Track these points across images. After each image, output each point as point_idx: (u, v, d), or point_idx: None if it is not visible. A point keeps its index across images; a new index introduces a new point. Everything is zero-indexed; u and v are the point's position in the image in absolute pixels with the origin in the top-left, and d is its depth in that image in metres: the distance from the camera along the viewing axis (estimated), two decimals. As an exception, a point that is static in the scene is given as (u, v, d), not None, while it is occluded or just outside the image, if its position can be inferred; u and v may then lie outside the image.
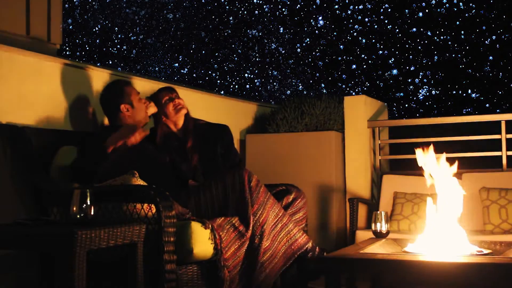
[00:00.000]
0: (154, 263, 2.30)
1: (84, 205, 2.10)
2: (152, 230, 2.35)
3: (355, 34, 11.98)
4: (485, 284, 2.26)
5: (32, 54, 2.95)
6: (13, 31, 3.76)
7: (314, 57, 12.28)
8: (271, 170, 4.31)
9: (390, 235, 2.98)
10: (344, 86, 12.02)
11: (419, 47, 11.54)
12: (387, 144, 4.75)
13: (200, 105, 4.04)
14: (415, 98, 11.66)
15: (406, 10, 11.63)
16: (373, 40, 11.83)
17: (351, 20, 11.98)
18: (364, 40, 11.93)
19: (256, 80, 12.70)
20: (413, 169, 4.56)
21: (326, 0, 12.13)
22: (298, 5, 12.36)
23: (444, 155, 2.82)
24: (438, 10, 11.43)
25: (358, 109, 4.41)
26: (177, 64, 12.95)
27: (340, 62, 12.13)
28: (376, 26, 11.82)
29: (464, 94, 11.30)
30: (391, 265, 2.29)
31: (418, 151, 2.83)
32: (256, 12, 12.63)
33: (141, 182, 2.69)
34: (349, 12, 11.98)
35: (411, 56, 11.63)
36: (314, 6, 12.24)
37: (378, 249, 2.64)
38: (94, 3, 12.46)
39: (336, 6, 12.04)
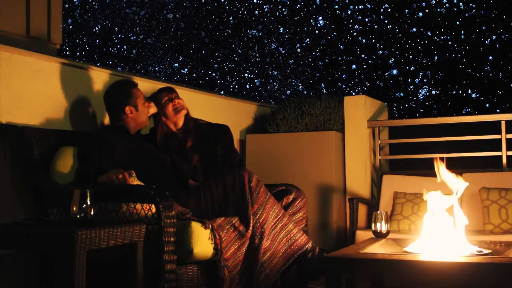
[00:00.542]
0: (154, 263, 2.30)
1: (84, 205, 2.10)
2: (152, 230, 2.35)
3: (355, 34, 11.98)
4: (485, 284, 2.26)
5: (32, 54, 2.95)
6: (13, 31, 3.76)
7: (314, 57, 12.28)
8: (271, 170, 4.31)
9: (390, 235, 2.98)
10: (344, 86, 12.02)
11: (419, 47, 11.54)
12: (387, 144, 4.75)
13: (200, 105, 4.04)
14: (415, 98, 11.66)
15: (406, 10, 11.63)
16: (373, 40, 11.83)
17: (351, 20, 11.98)
18: (364, 40, 11.93)
19: (256, 80, 12.70)
20: (413, 169, 4.58)
21: (326, 0, 12.13)
22: (298, 5, 12.36)
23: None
24: (438, 10, 11.43)
25: (358, 109, 4.41)
26: (177, 64, 12.95)
27: (340, 62, 12.13)
28: (376, 26, 11.82)
29: (464, 94, 11.30)
30: (391, 265, 2.29)
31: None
32: (256, 12, 12.63)
33: (138, 182, 2.69)
34: (349, 12, 11.98)
35: (411, 56, 11.63)
36: (314, 6, 12.24)
37: (378, 249, 2.64)
38: (94, 3, 12.46)
39: (336, 6, 12.04)
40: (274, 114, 4.64)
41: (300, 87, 12.45)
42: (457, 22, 11.31)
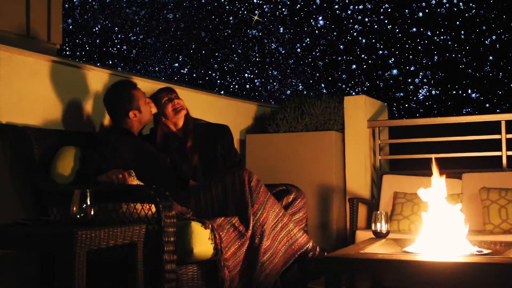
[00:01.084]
0: (154, 263, 2.30)
1: (84, 205, 2.10)
2: (152, 230, 2.35)
3: (355, 34, 11.97)
4: (485, 284, 2.26)
5: (32, 54, 2.95)
6: (13, 31, 3.76)
7: (314, 57, 12.28)
8: (271, 170, 4.31)
9: (390, 235, 2.98)
10: (344, 86, 12.02)
11: (419, 47, 11.54)
12: (387, 144, 4.75)
13: (200, 105, 4.04)
14: (415, 98, 11.66)
15: (406, 10, 11.63)
16: (373, 40, 11.83)
17: (351, 20, 11.98)
18: (364, 40, 11.92)
19: (256, 80, 12.70)
20: (413, 169, 4.57)
21: (326, 0, 12.12)
22: (298, 5, 12.36)
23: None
24: (438, 10, 11.43)
25: (358, 109, 4.41)
26: (177, 64, 12.95)
27: (340, 62, 12.12)
28: (376, 26, 11.81)
29: (464, 94, 11.30)
30: (391, 265, 2.29)
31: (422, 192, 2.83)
32: (256, 12, 12.63)
33: (137, 182, 2.69)
34: (349, 12, 11.98)
35: (411, 56, 11.63)
36: (314, 6, 12.24)
37: (378, 249, 2.64)
38: (94, 3, 12.45)
39: (336, 6, 12.04)
40: (274, 114, 4.64)
41: (300, 87, 12.45)
42: (457, 22, 11.31)
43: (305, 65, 12.33)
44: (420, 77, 11.57)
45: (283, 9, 12.56)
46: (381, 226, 2.92)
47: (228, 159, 3.32)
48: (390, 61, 11.76)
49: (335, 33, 12.12)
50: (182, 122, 3.29)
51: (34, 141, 2.73)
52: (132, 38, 12.80)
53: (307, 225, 3.23)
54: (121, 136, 2.94)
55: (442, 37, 11.39)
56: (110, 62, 12.51)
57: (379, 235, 2.93)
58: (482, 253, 2.46)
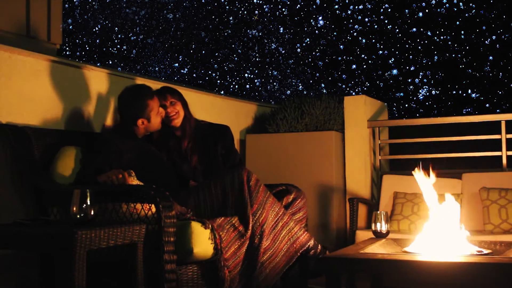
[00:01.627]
0: (154, 263, 2.30)
1: (84, 205, 2.10)
2: (152, 230, 2.35)
3: (355, 34, 11.98)
4: (485, 284, 2.26)
5: (32, 54, 2.95)
6: (13, 31, 3.76)
7: (314, 57, 12.28)
8: (271, 170, 4.31)
9: (390, 235, 2.98)
10: (344, 86, 12.02)
11: (419, 47, 11.54)
12: (387, 144, 4.75)
13: (200, 105, 4.04)
14: (415, 98, 11.66)
15: (406, 10, 11.63)
16: (373, 40, 11.83)
17: (351, 20, 11.98)
18: (364, 40, 11.93)
19: (256, 80, 12.70)
20: (413, 169, 4.57)
21: (326, 0, 12.13)
22: (298, 5, 12.36)
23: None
24: (438, 10, 11.43)
25: (358, 109, 4.41)
26: (177, 64, 12.95)
27: (340, 62, 12.13)
28: (376, 26, 11.81)
29: (464, 94, 11.30)
30: (391, 265, 2.29)
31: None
32: (256, 12, 12.63)
33: (137, 182, 2.69)
34: (349, 12, 11.98)
35: (411, 56, 11.63)
36: (314, 6, 12.24)
37: (378, 249, 2.64)
38: (94, 3, 12.45)
39: (336, 6, 12.04)
40: (274, 114, 4.64)
41: (300, 87, 12.45)
42: (457, 22, 11.31)
43: (305, 65, 12.33)
44: (420, 77, 11.57)
45: (283, 9, 12.56)
46: (381, 226, 2.92)
47: (228, 160, 3.32)
48: (390, 61, 11.76)
49: (335, 33, 12.12)
50: (180, 123, 3.29)
51: (34, 141, 2.73)
52: (132, 38, 12.80)
53: (307, 225, 3.23)
54: (124, 137, 2.94)
55: (442, 37, 11.39)
56: (110, 62, 12.51)
57: (379, 235, 2.92)
58: (482, 253, 2.46)
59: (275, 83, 12.66)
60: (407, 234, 3.59)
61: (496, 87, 11.07)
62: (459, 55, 11.32)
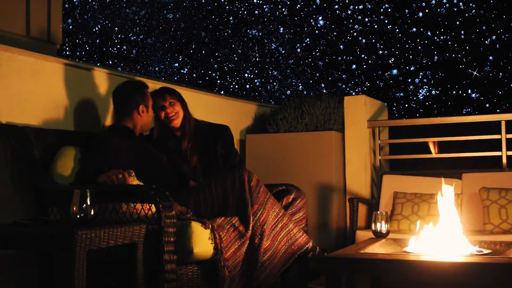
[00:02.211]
0: (154, 263, 2.30)
1: (84, 205, 2.10)
2: (152, 230, 2.35)
3: (355, 34, 11.97)
4: (485, 284, 2.26)
5: (32, 54, 2.95)
6: (13, 31, 3.76)
7: (314, 57, 12.27)
8: (271, 170, 4.31)
9: (390, 235, 2.98)
10: (344, 86, 12.01)
11: (419, 47, 11.53)
12: (387, 144, 4.75)
13: (200, 105, 4.04)
14: (415, 98, 11.66)
15: (406, 10, 11.63)
16: (373, 40, 11.83)
17: (351, 20, 11.98)
18: (364, 40, 11.92)
19: (256, 80, 12.69)
20: (413, 169, 4.58)
21: (326, 0, 12.12)
22: (298, 5, 12.36)
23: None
24: (438, 10, 11.43)
25: (358, 109, 4.41)
26: (177, 64, 12.94)
27: (340, 62, 12.12)
28: (376, 26, 11.81)
29: (464, 94, 11.30)
30: (391, 265, 2.29)
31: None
32: (256, 12, 12.63)
33: (137, 182, 2.69)
34: (349, 12, 11.97)
35: (411, 56, 11.63)
36: (314, 6, 12.23)
37: (378, 249, 2.64)
38: (94, 3, 12.45)
39: (336, 6, 12.03)
40: (274, 114, 4.64)
41: (300, 87, 12.45)
42: (457, 22, 11.31)
43: (305, 65, 12.32)
44: (420, 77, 11.57)
45: (283, 9, 12.56)
46: (381, 226, 2.92)
47: (228, 160, 3.32)
48: (390, 61, 11.76)
49: (335, 33, 12.11)
50: (180, 123, 3.29)
51: (34, 141, 2.73)
52: (132, 38, 12.80)
53: (307, 225, 3.23)
54: (122, 136, 2.94)
55: (442, 37, 11.38)
56: (110, 62, 12.51)
57: (379, 235, 2.92)
58: (482, 253, 2.46)
59: (275, 83, 12.66)
60: (407, 234, 3.59)
61: (496, 87, 11.06)
62: (459, 55, 11.31)
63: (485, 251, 2.49)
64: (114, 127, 3.07)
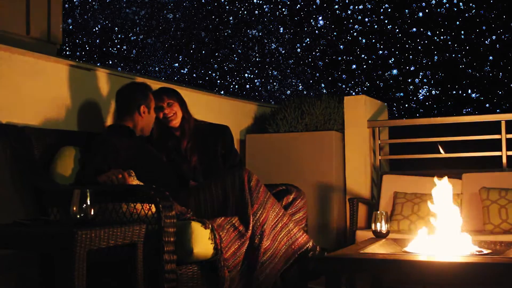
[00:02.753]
0: (154, 263, 2.30)
1: (84, 205, 2.10)
2: (152, 230, 2.35)
3: (355, 34, 11.98)
4: (485, 284, 2.26)
5: (32, 54, 2.95)
6: (13, 31, 3.76)
7: (314, 57, 12.28)
8: (271, 170, 4.31)
9: (390, 235, 2.98)
10: (344, 86, 12.02)
11: (419, 47, 11.54)
12: (387, 144, 4.75)
13: (200, 105, 4.03)
14: (415, 98, 11.66)
15: (406, 10, 11.63)
16: (373, 40, 11.83)
17: (351, 20, 11.98)
18: (364, 40, 11.93)
19: (256, 80, 12.70)
20: (413, 169, 4.58)
21: (326, 0, 12.13)
22: (298, 5, 12.36)
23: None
24: (438, 10, 11.43)
25: (358, 109, 4.41)
26: (177, 64, 12.95)
27: (340, 62, 12.13)
28: (376, 26, 11.82)
29: (464, 94, 11.30)
30: (391, 265, 2.29)
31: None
32: (256, 12, 12.63)
33: (137, 182, 2.69)
34: (349, 12, 11.98)
35: (411, 56, 11.63)
36: (314, 6, 12.24)
37: (378, 249, 2.64)
38: (94, 3, 12.45)
39: (336, 6, 12.04)
40: (274, 114, 4.64)
41: (300, 87, 12.45)
42: (457, 22, 11.31)
43: (305, 65, 12.33)
44: (420, 77, 11.58)
45: (283, 9, 12.56)
46: (381, 226, 2.92)
47: (228, 160, 3.32)
48: (390, 61, 11.77)
49: (335, 33, 12.12)
50: (179, 124, 3.29)
51: (34, 141, 2.73)
52: (132, 38, 12.80)
53: (307, 225, 3.23)
54: (122, 135, 2.94)
55: (442, 37, 11.39)
56: (110, 62, 12.51)
57: (379, 235, 2.92)
58: (482, 253, 2.46)
59: (275, 83, 12.66)
60: (407, 234, 3.59)
61: (496, 87, 11.07)
62: (459, 55, 11.32)
63: (485, 251, 2.49)
64: (114, 127, 3.06)
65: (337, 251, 2.60)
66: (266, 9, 12.60)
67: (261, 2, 12.59)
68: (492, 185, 3.78)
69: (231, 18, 12.74)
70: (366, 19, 11.87)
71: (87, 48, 12.59)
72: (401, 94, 11.75)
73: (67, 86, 3.12)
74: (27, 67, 2.90)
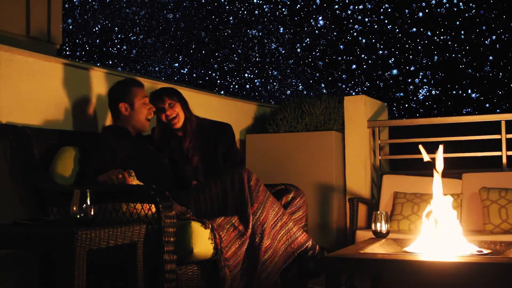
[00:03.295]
0: (154, 263, 2.30)
1: (84, 205, 2.10)
2: (152, 230, 2.35)
3: (355, 34, 11.97)
4: (485, 284, 2.26)
5: (32, 54, 2.95)
6: (13, 31, 3.76)
7: (314, 57, 12.27)
8: (271, 170, 4.31)
9: (390, 235, 2.98)
10: (344, 86, 12.01)
11: (419, 47, 11.53)
12: (387, 144, 4.75)
13: (200, 105, 4.04)
14: (415, 98, 11.65)
15: (406, 10, 11.63)
16: (373, 40, 11.83)
17: (351, 20, 11.98)
18: (364, 40, 11.92)
19: (256, 80, 12.69)
20: (413, 169, 4.58)
21: (326, 0, 12.12)
22: (298, 5, 12.36)
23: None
24: (438, 10, 11.43)
25: (358, 109, 4.41)
26: (177, 64, 12.94)
27: (340, 62, 12.12)
28: (376, 26, 11.81)
29: (464, 94, 11.30)
30: (391, 265, 2.29)
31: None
32: (256, 12, 12.63)
33: (137, 182, 2.69)
34: (349, 12, 11.97)
35: (411, 56, 11.62)
36: (314, 6, 12.23)
37: (378, 249, 2.64)
38: (94, 3, 12.45)
39: (336, 6, 12.03)
40: (274, 114, 4.64)
41: (300, 87, 12.44)
42: (457, 22, 11.31)
43: (305, 65, 12.32)
44: (420, 77, 11.57)
45: (283, 9, 12.55)
46: (381, 226, 2.92)
47: (229, 159, 3.32)
48: (390, 61, 11.76)
49: (335, 33, 12.11)
50: (182, 123, 3.28)
51: (34, 141, 2.73)
52: (132, 38, 12.79)
53: (307, 225, 3.23)
54: (119, 136, 2.94)
55: (442, 37, 11.38)
56: (110, 62, 12.51)
57: (379, 235, 2.92)
58: (482, 253, 2.46)
59: (275, 83, 12.65)
60: (407, 234, 3.59)
61: (496, 87, 11.06)
62: (459, 55, 11.31)
63: (485, 251, 2.49)
64: (110, 127, 3.07)
65: (337, 251, 2.60)
66: (266, 9, 12.59)
67: (261, 2, 12.58)
68: (492, 185, 3.78)
69: (231, 18, 12.74)
70: (366, 19, 11.87)
71: (87, 48, 12.58)
72: (401, 94, 11.75)
73: (67, 86, 3.12)
74: (27, 67, 2.90)
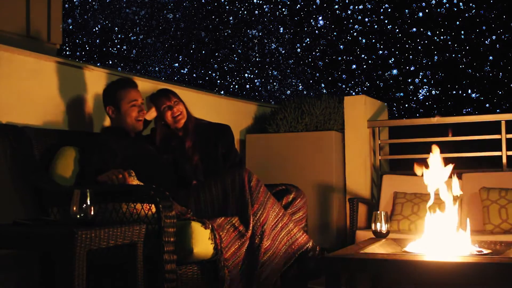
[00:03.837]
0: (154, 263, 2.30)
1: (84, 205, 2.10)
2: (152, 230, 2.35)
3: (355, 34, 11.97)
4: (485, 284, 2.26)
5: (32, 54, 2.95)
6: (13, 31, 3.76)
7: (314, 57, 12.27)
8: (271, 170, 4.31)
9: (390, 235, 2.98)
10: (344, 86, 12.01)
11: (419, 47, 11.53)
12: (387, 144, 4.75)
13: (200, 105, 4.04)
14: (415, 98, 11.65)
15: (406, 10, 11.63)
16: (373, 40, 11.83)
17: (351, 20, 11.97)
18: (364, 40, 11.92)
19: (256, 80, 12.69)
20: (413, 169, 4.57)
21: (326, 0, 12.12)
22: (298, 5, 12.36)
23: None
24: (438, 10, 11.43)
25: (358, 109, 4.41)
26: (177, 64, 12.94)
27: (340, 62, 12.12)
28: (376, 26, 11.81)
29: (464, 94, 11.30)
30: (391, 265, 2.29)
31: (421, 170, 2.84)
32: (256, 12, 12.63)
33: (137, 182, 2.69)
34: (349, 12, 11.97)
35: (411, 56, 11.63)
36: (314, 6, 12.23)
37: (378, 249, 2.64)
38: (94, 3, 12.45)
39: (336, 6, 12.03)
40: (274, 114, 4.64)
41: (300, 87, 12.44)
42: (457, 22, 11.31)
43: (305, 65, 12.32)
44: (420, 77, 11.57)
45: (283, 9, 12.55)
46: (381, 226, 2.92)
47: (228, 159, 3.32)
48: (390, 61, 11.76)
49: (335, 33, 12.11)
50: (183, 124, 3.29)
51: (34, 141, 2.73)
52: (132, 38, 12.79)
53: (307, 225, 3.23)
54: (118, 136, 2.94)
55: (442, 37, 11.38)
56: (110, 62, 12.51)
57: (379, 235, 2.92)
58: (482, 253, 2.46)
59: (275, 83, 12.65)
60: (407, 234, 3.59)
61: (496, 87, 11.06)
62: (459, 55, 11.31)
63: (485, 251, 2.49)
64: (109, 128, 3.08)
65: (337, 251, 2.60)
66: (266, 9, 12.59)
67: (261, 2, 12.58)
68: (492, 185, 3.78)
69: (231, 18, 12.74)
70: (366, 19, 11.87)
71: (87, 48, 12.58)
72: (401, 94, 11.75)
73: (67, 86, 3.12)
74: (27, 67, 2.90)
